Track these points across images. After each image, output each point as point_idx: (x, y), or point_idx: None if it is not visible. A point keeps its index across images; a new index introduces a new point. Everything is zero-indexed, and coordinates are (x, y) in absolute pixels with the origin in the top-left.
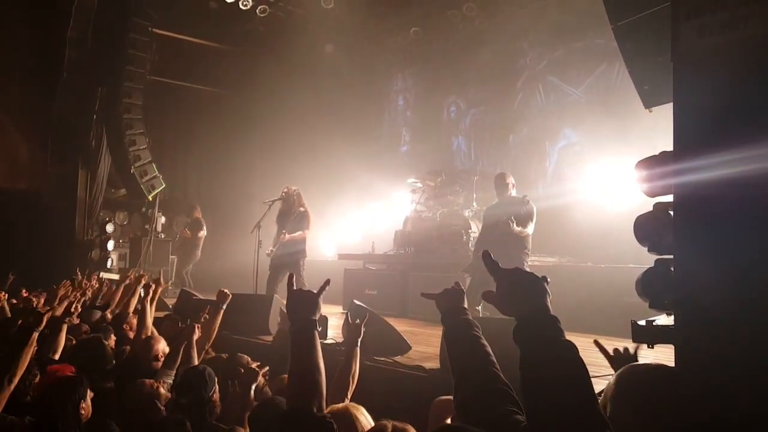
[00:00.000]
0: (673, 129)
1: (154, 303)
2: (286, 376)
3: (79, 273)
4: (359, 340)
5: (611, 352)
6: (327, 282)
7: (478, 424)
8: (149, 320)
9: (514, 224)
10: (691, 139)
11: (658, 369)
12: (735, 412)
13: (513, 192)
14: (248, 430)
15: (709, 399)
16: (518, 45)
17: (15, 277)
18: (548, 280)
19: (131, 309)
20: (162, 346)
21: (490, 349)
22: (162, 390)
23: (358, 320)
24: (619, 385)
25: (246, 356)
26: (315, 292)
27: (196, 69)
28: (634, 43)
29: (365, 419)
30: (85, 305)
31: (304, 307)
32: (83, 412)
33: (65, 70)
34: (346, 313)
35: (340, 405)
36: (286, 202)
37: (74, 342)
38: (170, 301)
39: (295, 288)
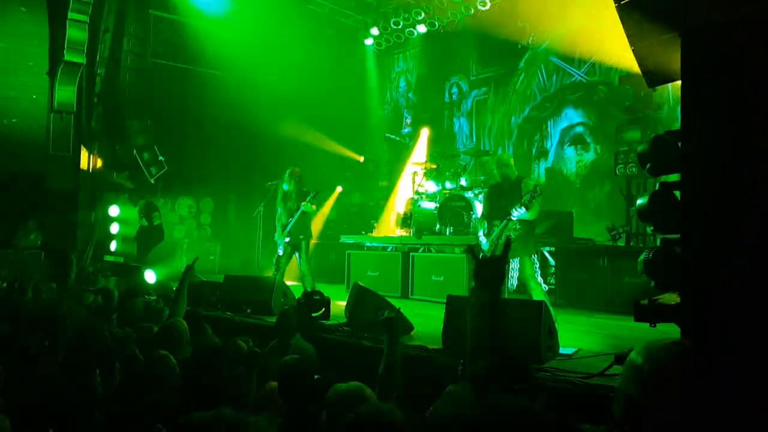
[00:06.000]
0: (680, 107)
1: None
2: (294, 357)
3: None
4: (396, 334)
5: None
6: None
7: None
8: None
9: (521, 207)
10: (699, 118)
11: (677, 345)
12: (740, 392)
13: (514, 173)
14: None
15: (715, 378)
16: (520, 25)
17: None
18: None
19: None
20: (185, 329)
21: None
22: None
23: (388, 312)
24: (646, 364)
25: (246, 338)
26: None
27: (197, 51)
28: (638, 22)
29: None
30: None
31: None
32: (91, 391)
33: (66, 52)
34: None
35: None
36: (288, 183)
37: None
38: (175, 284)
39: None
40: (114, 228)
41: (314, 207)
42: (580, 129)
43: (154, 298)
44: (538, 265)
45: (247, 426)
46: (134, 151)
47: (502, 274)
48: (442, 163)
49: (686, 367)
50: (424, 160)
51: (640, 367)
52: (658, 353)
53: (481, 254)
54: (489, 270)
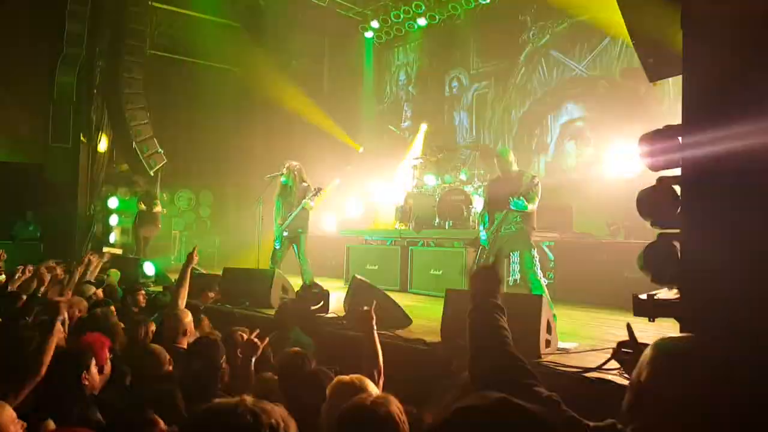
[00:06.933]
0: (681, 100)
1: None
2: (294, 349)
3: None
4: (374, 325)
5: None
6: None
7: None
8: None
9: (519, 198)
10: (700, 111)
11: (689, 338)
12: (738, 387)
13: (514, 167)
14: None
15: (714, 373)
16: (521, 19)
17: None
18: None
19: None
20: (189, 320)
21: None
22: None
23: (366, 307)
24: (656, 351)
25: (244, 329)
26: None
27: (196, 43)
28: (640, 15)
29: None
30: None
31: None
32: (86, 383)
33: (65, 44)
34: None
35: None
36: (287, 177)
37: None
38: (173, 276)
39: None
40: (113, 220)
41: (313, 206)
42: (580, 124)
43: (160, 290)
44: (537, 259)
45: (271, 413)
46: (134, 143)
47: (494, 283)
48: (441, 156)
49: (696, 357)
50: (423, 154)
51: (651, 358)
52: (670, 345)
53: (480, 249)
54: (475, 282)
